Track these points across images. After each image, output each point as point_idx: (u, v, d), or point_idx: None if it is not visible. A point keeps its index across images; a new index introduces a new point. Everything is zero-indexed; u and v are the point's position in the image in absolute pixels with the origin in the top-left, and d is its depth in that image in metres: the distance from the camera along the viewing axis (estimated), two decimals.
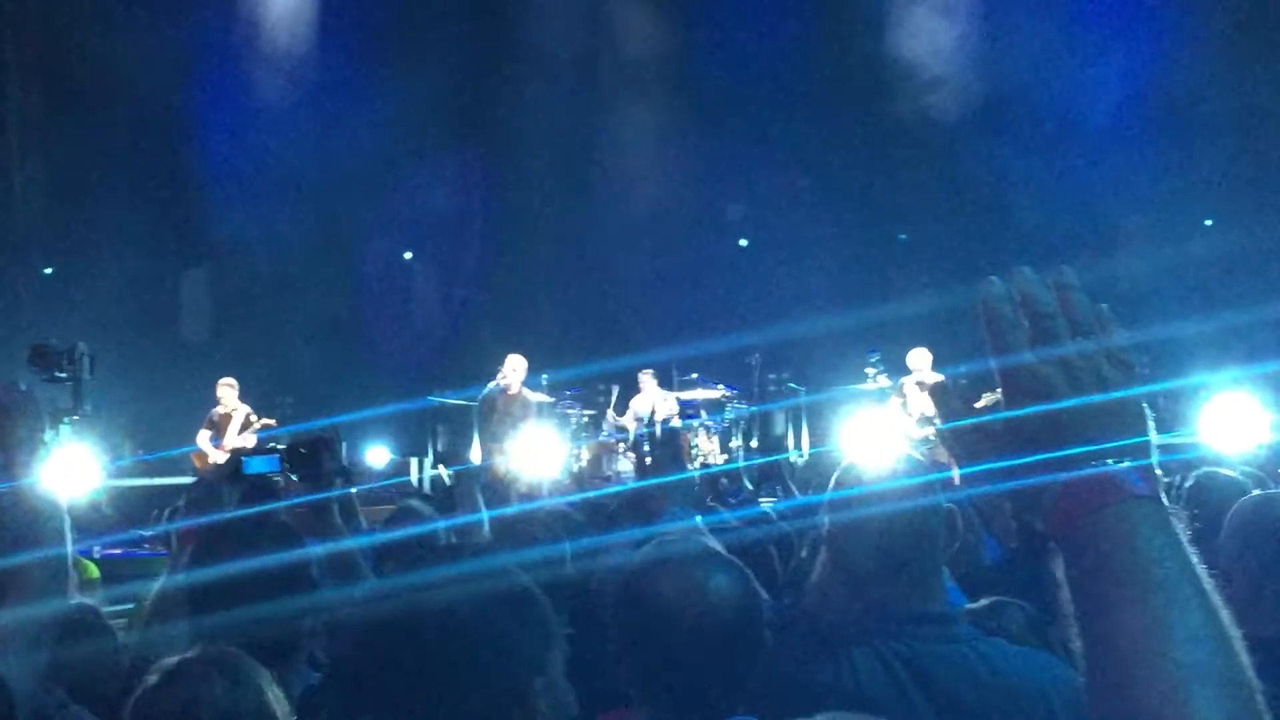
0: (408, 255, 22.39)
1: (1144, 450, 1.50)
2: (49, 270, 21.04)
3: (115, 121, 20.32)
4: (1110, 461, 1.47)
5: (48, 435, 3.49)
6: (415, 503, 5.24)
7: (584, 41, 20.99)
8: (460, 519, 5.37)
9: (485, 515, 5.49)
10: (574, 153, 21.32)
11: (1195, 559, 1.44)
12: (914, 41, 20.05)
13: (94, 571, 7.06)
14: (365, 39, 20.66)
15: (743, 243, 22.29)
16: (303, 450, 3.56)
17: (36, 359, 4.72)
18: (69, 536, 3.22)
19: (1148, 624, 1.39)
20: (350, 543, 3.98)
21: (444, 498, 8.79)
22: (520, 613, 2.23)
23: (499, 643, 2.18)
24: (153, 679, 2.74)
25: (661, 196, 20.89)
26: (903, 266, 20.28)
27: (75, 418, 5.36)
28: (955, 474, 6.16)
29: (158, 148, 20.58)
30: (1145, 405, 1.54)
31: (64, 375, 4.71)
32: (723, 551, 3.06)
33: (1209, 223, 19.54)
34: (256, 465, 3.85)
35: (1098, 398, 1.50)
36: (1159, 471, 1.51)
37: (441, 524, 5.06)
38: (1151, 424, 1.53)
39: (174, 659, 2.79)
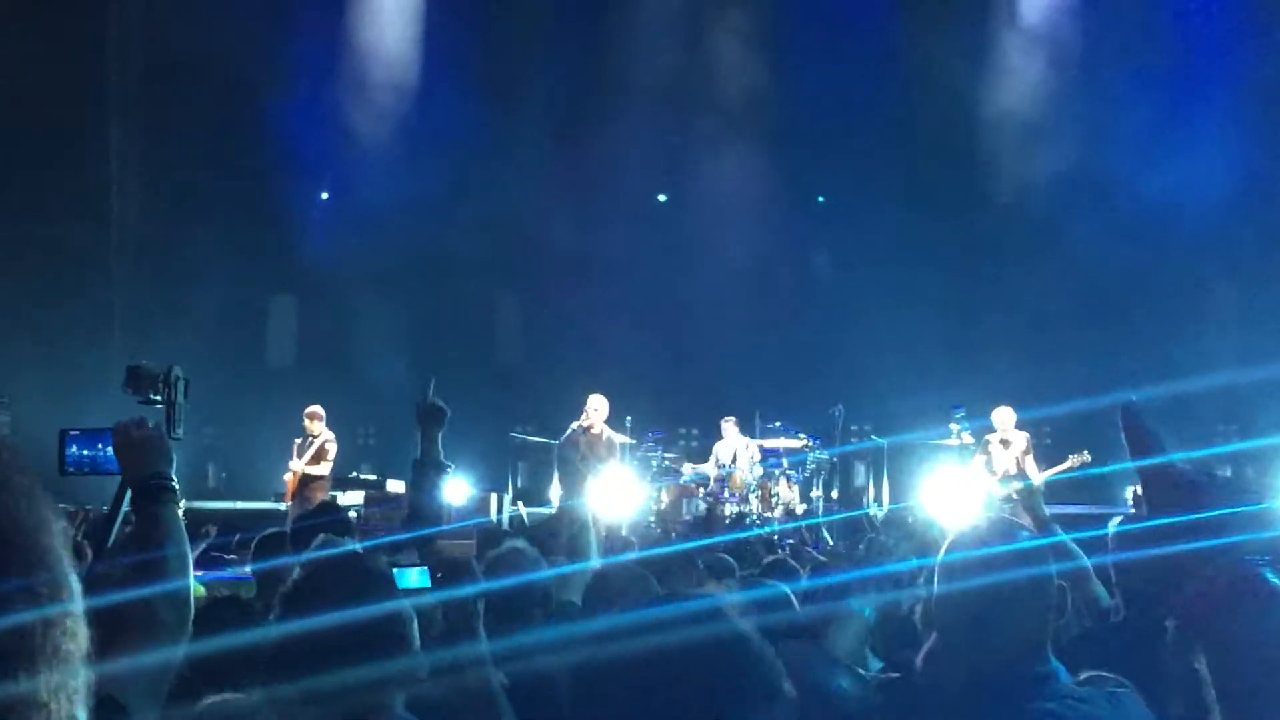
0: (492, 289, 22.49)
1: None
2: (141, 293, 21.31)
3: (209, 148, 20.61)
4: (1256, 558, 1.46)
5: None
6: (522, 544, 5.23)
7: (676, 86, 21.04)
8: (570, 567, 5.39)
9: (595, 563, 5.51)
10: (662, 192, 21.39)
11: None
12: (1009, 101, 20.03)
13: (200, 591, 7.02)
14: (459, 76, 20.82)
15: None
16: (440, 575, 3.57)
17: (131, 381, 4.79)
18: (191, 569, 3.22)
19: None
20: (464, 591, 3.94)
21: (524, 535, 8.77)
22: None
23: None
24: None
25: (748, 242, 20.89)
26: (990, 322, 20.14)
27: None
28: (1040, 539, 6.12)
29: (250, 174, 20.85)
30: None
31: (158, 399, 4.78)
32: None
33: None
34: (406, 579, 3.80)
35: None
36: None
37: (549, 572, 5.04)
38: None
39: None
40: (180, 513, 3.33)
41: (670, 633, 2.23)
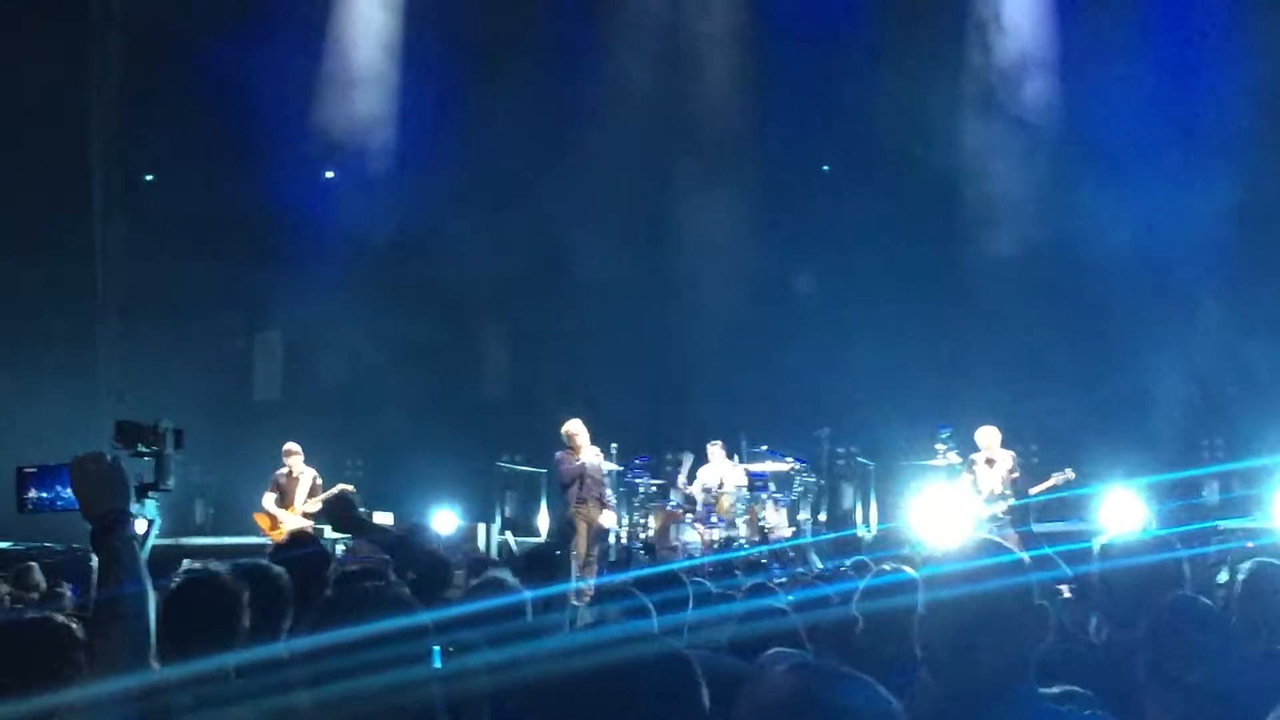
0: (477, 319, 22.46)
1: None
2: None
3: (191, 185, 20.64)
4: None
5: (134, 507, 3.49)
6: (502, 574, 5.25)
7: (663, 114, 21.06)
8: (548, 589, 5.43)
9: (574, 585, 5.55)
10: (646, 219, 21.38)
11: None
12: (991, 138, 20.10)
13: None
14: (441, 104, 20.86)
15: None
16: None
17: (120, 435, 4.86)
18: (151, 603, 3.22)
19: None
20: (434, 615, 3.96)
21: (515, 564, 8.79)
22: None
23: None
24: None
25: (733, 267, 20.93)
26: (975, 343, 20.17)
27: (157, 493, 5.50)
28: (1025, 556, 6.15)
29: (233, 209, 20.88)
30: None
31: (146, 451, 4.82)
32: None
33: None
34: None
35: None
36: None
37: (529, 594, 5.07)
38: None
39: None
40: (149, 544, 3.35)
41: (611, 653, 2.43)
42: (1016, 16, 20.45)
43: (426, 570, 5.28)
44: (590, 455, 15.98)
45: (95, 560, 3.27)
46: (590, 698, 2.39)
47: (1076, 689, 3.90)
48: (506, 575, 5.24)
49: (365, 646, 3.07)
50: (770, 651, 4.51)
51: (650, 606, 5.25)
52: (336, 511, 5.63)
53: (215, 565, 4.73)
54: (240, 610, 4.48)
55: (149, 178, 21.16)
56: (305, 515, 16.50)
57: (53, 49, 19.95)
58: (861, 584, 5.38)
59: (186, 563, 4.70)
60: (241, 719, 3.85)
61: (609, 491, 16.23)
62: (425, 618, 3.36)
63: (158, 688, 3.49)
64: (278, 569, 5.32)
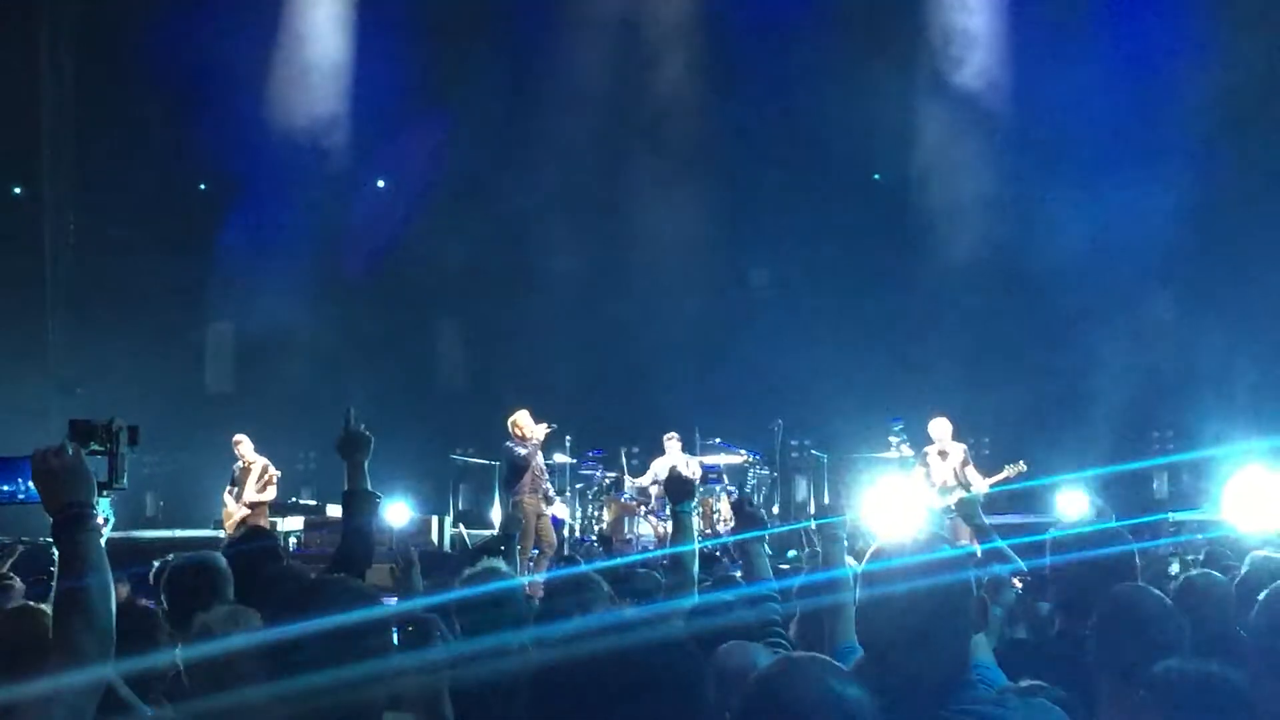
0: (431, 312, 22.42)
1: None
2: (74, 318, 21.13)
3: (145, 177, 20.50)
4: None
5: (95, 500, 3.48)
6: (497, 562, 5.27)
7: (612, 102, 21.04)
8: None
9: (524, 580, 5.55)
10: (602, 213, 21.37)
11: None
12: (939, 130, 20.15)
13: None
14: (395, 100, 20.79)
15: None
16: (410, 628, 3.65)
17: (73, 434, 4.83)
18: (112, 598, 3.21)
19: None
20: (434, 599, 3.98)
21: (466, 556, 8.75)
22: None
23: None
24: None
25: (686, 259, 20.93)
26: (926, 336, 20.25)
27: (110, 491, 5.49)
28: (977, 549, 6.18)
29: (186, 201, 20.76)
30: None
31: (100, 450, 4.80)
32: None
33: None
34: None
35: None
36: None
37: (522, 580, 5.11)
38: None
39: None
40: (103, 541, 3.32)
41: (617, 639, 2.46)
42: (973, 12, 20.49)
43: (352, 549, 5.36)
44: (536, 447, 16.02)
45: (56, 553, 3.26)
46: (597, 686, 2.43)
47: (1042, 684, 3.92)
48: (501, 564, 5.26)
49: (326, 640, 3.06)
50: (726, 645, 4.53)
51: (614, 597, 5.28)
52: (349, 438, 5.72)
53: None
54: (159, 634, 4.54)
55: (99, 169, 20.97)
56: (250, 505, 16.40)
57: (3, 40, 19.81)
58: (798, 580, 5.40)
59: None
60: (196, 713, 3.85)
61: (550, 485, 16.19)
62: (386, 610, 3.36)
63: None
64: (216, 556, 5.34)
